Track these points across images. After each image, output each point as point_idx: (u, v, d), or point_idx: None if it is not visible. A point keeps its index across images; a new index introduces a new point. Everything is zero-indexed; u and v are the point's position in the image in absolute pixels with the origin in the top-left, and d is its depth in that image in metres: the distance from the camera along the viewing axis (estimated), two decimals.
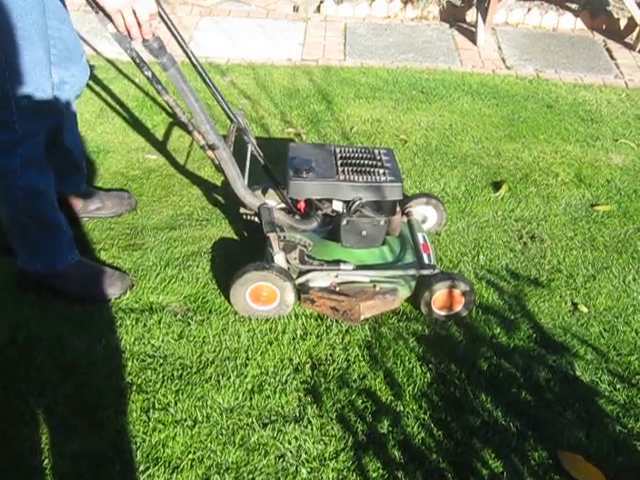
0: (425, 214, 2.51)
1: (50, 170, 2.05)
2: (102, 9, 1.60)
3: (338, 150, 2.24)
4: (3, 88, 1.76)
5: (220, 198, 2.76)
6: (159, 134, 3.22)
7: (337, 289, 2.15)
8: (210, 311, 2.17)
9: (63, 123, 2.13)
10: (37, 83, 1.80)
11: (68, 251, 2.17)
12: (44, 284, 2.15)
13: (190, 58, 2.04)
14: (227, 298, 2.16)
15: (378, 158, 2.20)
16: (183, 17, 4.54)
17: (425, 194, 2.52)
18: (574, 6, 4.83)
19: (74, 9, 4.18)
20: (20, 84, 1.76)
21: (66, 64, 1.99)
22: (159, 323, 2.10)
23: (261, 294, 2.10)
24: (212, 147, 1.93)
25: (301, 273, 2.18)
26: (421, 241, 2.29)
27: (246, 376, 1.95)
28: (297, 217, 2.21)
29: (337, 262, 2.17)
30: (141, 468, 1.68)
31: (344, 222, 2.12)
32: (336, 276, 2.16)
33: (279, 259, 2.13)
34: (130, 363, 1.97)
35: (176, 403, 1.85)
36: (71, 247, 2.19)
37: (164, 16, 1.87)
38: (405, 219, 2.42)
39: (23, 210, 2.00)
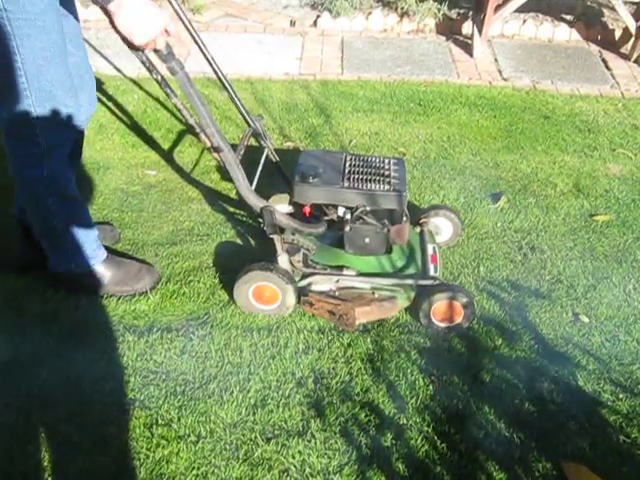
0: (439, 226, 2.52)
1: (74, 177, 2.14)
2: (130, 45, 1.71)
3: (349, 158, 2.26)
4: (27, 106, 1.84)
5: (220, 213, 2.77)
6: (158, 150, 3.24)
7: (336, 294, 2.19)
8: (212, 326, 2.17)
9: (83, 133, 2.21)
10: (59, 100, 1.88)
11: (98, 248, 2.24)
12: (78, 283, 2.25)
13: (210, 63, 2.18)
14: (232, 299, 2.23)
15: (387, 167, 2.22)
16: (181, 33, 4.54)
17: (441, 207, 2.54)
18: (569, 17, 4.87)
19: None
20: (43, 102, 1.85)
21: (77, 92, 1.98)
22: (161, 339, 2.11)
23: (263, 294, 2.16)
24: (217, 149, 1.97)
25: (304, 276, 2.22)
26: (430, 252, 2.30)
27: (249, 391, 1.95)
28: (303, 221, 2.22)
29: (340, 267, 2.20)
30: None
31: (347, 229, 2.15)
32: (337, 281, 2.19)
33: (282, 261, 2.17)
34: (133, 379, 1.97)
35: (179, 419, 1.85)
36: (99, 244, 2.26)
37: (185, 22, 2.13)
38: (418, 229, 2.43)
39: (57, 215, 2.09)
